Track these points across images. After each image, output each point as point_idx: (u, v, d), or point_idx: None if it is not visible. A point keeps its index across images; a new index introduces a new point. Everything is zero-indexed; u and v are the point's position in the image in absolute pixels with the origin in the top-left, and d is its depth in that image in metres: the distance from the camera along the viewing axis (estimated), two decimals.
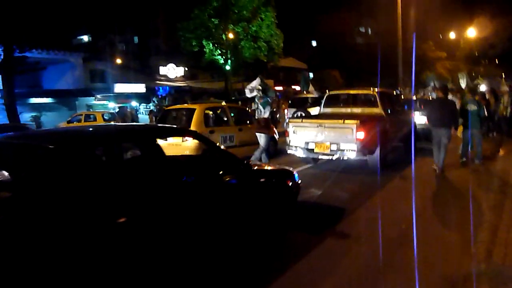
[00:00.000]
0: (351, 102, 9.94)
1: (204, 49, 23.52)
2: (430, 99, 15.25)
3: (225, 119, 10.15)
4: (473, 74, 40.66)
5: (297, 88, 29.24)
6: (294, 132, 8.96)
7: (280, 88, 35.42)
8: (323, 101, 10.36)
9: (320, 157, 8.73)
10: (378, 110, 9.36)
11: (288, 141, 9.05)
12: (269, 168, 5.32)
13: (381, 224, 5.00)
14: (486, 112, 9.75)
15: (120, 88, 22.88)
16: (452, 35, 41.10)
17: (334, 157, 8.35)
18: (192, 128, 8.75)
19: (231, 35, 23.65)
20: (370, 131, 8.42)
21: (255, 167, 4.92)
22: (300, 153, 8.80)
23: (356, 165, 8.92)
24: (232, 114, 10.53)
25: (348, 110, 9.81)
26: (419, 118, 12.67)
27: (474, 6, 29.22)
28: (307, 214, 5.78)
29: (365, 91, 9.87)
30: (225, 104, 10.55)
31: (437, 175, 8.25)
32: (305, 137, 8.80)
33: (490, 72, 48.95)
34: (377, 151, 8.64)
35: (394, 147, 10.30)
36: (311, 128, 8.70)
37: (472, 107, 9.13)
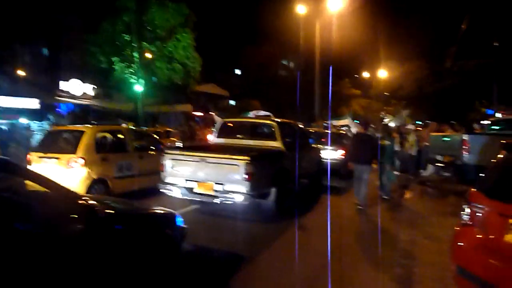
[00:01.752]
0: (249, 133, 8.28)
1: (113, 66, 20.99)
2: (345, 133, 14.28)
3: (124, 144, 8.28)
4: (384, 113, 42.27)
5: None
6: (171, 167, 7.00)
7: (200, 113, 33.57)
8: (216, 130, 8.60)
9: (201, 199, 6.81)
10: (277, 143, 7.77)
11: (163, 177, 7.06)
12: (139, 211, 3.90)
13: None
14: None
15: (8, 102, 19.38)
16: (366, 75, 42.74)
17: (218, 201, 6.48)
18: (80, 153, 7.24)
19: (148, 55, 21.46)
20: (263, 169, 6.75)
21: (110, 211, 3.41)
22: (177, 193, 6.82)
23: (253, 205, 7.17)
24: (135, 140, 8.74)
25: (244, 142, 8.11)
26: (330, 153, 11.44)
27: (387, 49, 30.18)
28: (194, 268, 4.42)
29: (263, 121, 8.28)
30: (125, 127, 8.99)
31: (359, 211, 7.63)
32: (184, 173, 6.88)
33: (398, 112, 51.79)
34: (273, 193, 6.99)
35: (297, 186, 8.79)
36: (192, 163, 6.81)
37: (386, 143, 8.64)
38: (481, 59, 25.15)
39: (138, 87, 21.61)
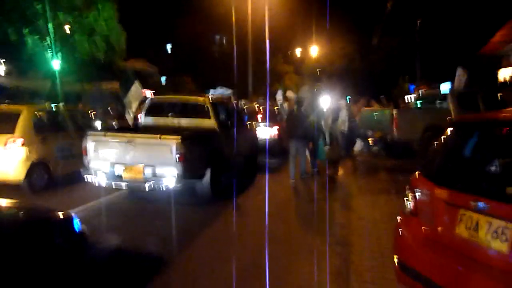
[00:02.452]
0: (180, 111, 7.83)
1: (25, 39, 18.88)
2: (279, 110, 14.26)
3: (63, 124, 7.96)
4: (315, 89, 43.39)
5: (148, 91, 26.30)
6: (95, 150, 6.39)
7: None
8: (144, 109, 8.04)
9: (129, 185, 6.32)
10: (210, 122, 7.45)
11: (87, 163, 6.45)
12: (15, 218, 2.92)
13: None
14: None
15: None
16: (298, 51, 43.31)
17: (147, 187, 6.05)
18: (17, 134, 6.94)
19: (65, 27, 19.56)
20: (196, 149, 6.43)
21: None
22: (102, 180, 6.26)
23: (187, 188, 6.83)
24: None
25: (175, 121, 7.67)
26: (264, 131, 11.35)
27: (318, 26, 30.70)
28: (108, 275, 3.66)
29: (195, 99, 7.88)
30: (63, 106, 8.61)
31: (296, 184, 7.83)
32: (110, 157, 6.33)
33: (329, 87, 53.50)
34: (207, 175, 6.71)
35: (232, 166, 8.59)
36: (118, 145, 6.27)
37: (314, 119, 8.68)
38: (405, 36, 26.47)
39: (56, 63, 19.77)
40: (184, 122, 7.56)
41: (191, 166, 6.25)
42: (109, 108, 22.52)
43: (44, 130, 7.46)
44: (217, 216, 5.99)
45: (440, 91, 13.18)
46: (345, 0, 30.15)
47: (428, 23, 23.59)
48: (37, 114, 7.54)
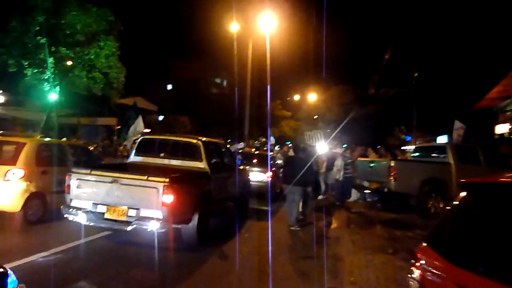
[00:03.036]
0: (171, 151, 7.60)
1: (24, 71, 18.97)
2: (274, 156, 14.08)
3: (63, 158, 7.90)
4: (312, 134, 43.59)
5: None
6: (77, 187, 6.10)
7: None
8: (134, 147, 7.82)
9: (111, 226, 5.98)
10: (201, 164, 7.20)
11: (68, 200, 6.13)
12: None
13: None
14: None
15: None
16: (296, 97, 43.99)
17: (129, 228, 5.71)
18: (19, 166, 6.99)
19: (69, 62, 19.74)
20: (184, 192, 6.14)
21: None
22: (82, 219, 5.92)
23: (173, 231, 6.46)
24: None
25: (166, 161, 7.43)
26: (256, 175, 11.11)
27: (316, 74, 31.34)
28: None
29: (186, 139, 7.67)
30: (65, 140, 9.14)
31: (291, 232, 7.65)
32: (92, 195, 6.02)
33: (326, 134, 53.78)
34: (195, 219, 6.38)
35: (221, 210, 8.27)
36: (102, 184, 5.98)
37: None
38: (402, 87, 26.96)
39: (53, 96, 19.78)
40: (175, 162, 7.31)
41: (178, 210, 5.94)
42: (101, 143, 22.34)
43: (45, 163, 7.46)
44: (201, 264, 5.60)
45: (435, 143, 13.07)
46: (344, 50, 31.00)
47: (425, 75, 24.10)
48: (40, 147, 7.57)
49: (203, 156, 7.23)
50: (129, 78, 33.90)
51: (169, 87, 46.79)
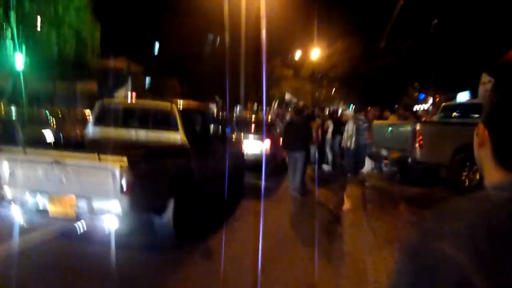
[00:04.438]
0: (138, 121, 6.32)
1: None
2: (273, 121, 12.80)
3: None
4: (316, 95, 42.01)
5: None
6: (11, 173, 4.86)
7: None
8: (92, 116, 6.51)
9: (55, 223, 4.81)
10: (178, 135, 5.93)
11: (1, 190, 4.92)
12: None
13: None
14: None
15: None
16: (298, 54, 42.05)
17: (80, 226, 4.56)
18: None
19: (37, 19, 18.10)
20: (152, 174, 4.93)
21: None
22: (17, 214, 4.73)
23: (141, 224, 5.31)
24: None
25: (132, 133, 6.15)
26: (252, 145, 9.87)
27: (319, 26, 29.37)
28: None
29: (159, 105, 6.37)
30: None
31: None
32: (29, 183, 4.80)
33: (329, 95, 52.09)
34: (170, 208, 5.21)
35: (207, 193, 7.10)
36: (41, 167, 4.74)
37: None
38: (417, 39, 25.23)
39: (19, 57, 18.28)
40: (143, 135, 6.04)
41: (143, 198, 4.76)
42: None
43: None
44: (179, 269, 4.47)
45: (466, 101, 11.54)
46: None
47: (443, 24, 22.32)
48: None
49: (180, 125, 5.94)
50: (108, 37, 32.01)
51: (156, 46, 44.75)
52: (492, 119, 0.82)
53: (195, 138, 6.25)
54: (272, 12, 28.70)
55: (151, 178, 4.90)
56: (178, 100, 6.42)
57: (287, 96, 32.63)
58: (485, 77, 15.56)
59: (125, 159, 4.45)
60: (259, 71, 31.00)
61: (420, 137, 7.62)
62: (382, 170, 10.61)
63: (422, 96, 36.27)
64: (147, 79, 36.02)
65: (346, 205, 7.58)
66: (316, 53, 35.74)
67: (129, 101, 6.90)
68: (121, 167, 4.43)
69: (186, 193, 5.68)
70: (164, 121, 6.14)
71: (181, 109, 6.12)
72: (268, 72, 38.31)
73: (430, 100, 28.27)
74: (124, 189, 4.47)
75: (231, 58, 29.07)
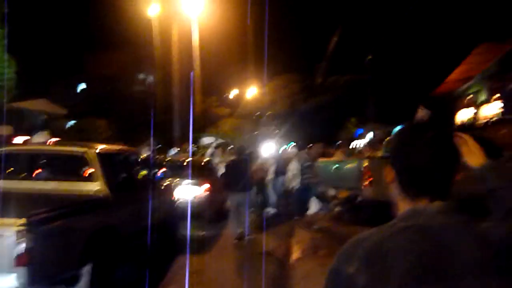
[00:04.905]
0: (47, 170, 5.46)
1: None
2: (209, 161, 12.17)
3: None
4: (255, 133, 42.14)
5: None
6: None
7: (26, 137, 28.32)
8: None
9: None
10: (96, 185, 5.14)
11: None
12: None
13: None
14: None
15: None
16: (234, 92, 42.31)
17: None
18: None
19: None
20: (60, 237, 4.12)
21: None
22: None
23: None
24: None
25: (38, 185, 5.26)
26: (189, 191, 9.15)
27: (256, 64, 29.80)
28: None
29: (70, 150, 5.56)
30: None
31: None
32: None
33: (269, 132, 52.57)
34: (86, 275, 4.37)
35: (136, 247, 6.26)
36: None
37: None
38: (353, 74, 26.21)
39: None
40: (52, 186, 5.18)
41: (47, 269, 3.92)
42: None
43: None
44: None
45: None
46: (287, 34, 29.80)
47: (377, 61, 23.39)
48: None
49: (99, 173, 5.17)
50: (28, 76, 30.12)
51: (82, 86, 43.04)
52: (393, 160, 1.12)
53: (118, 187, 5.49)
54: (206, 51, 28.72)
55: (57, 243, 4.08)
56: (96, 144, 5.68)
57: (207, 140, 32.17)
58: (421, 111, 16.15)
59: (21, 221, 3.63)
60: (193, 111, 30.54)
61: (368, 174, 7.39)
62: (329, 211, 10.29)
63: (360, 131, 37.54)
64: (71, 122, 34.11)
65: (297, 253, 7.02)
66: (252, 91, 36.11)
67: (35, 147, 5.98)
68: (18, 232, 3.61)
69: (108, 254, 4.87)
70: (79, 169, 5.34)
71: (100, 153, 5.37)
72: (204, 111, 37.99)
73: (369, 135, 29.20)
74: (20, 260, 3.63)
75: (163, 97, 28.43)
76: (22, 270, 3.64)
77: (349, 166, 8.29)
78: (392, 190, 1.11)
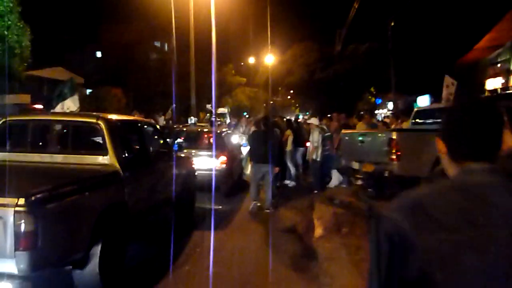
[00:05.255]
0: (54, 142, 5.06)
1: None
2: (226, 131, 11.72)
3: None
4: (271, 103, 41.47)
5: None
6: None
7: (41, 106, 28.24)
8: None
9: None
10: (106, 159, 4.72)
11: None
12: None
13: None
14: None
15: None
16: (251, 60, 41.40)
17: None
18: None
19: None
20: (66, 216, 3.74)
21: None
22: None
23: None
24: None
25: (46, 158, 4.86)
26: (204, 162, 8.75)
27: (273, 31, 28.80)
28: None
29: (80, 120, 5.12)
30: None
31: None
32: None
33: (285, 102, 51.81)
34: (95, 256, 4.02)
35: (149, 224, 5.93)
36: None
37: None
38: (373, 43, 25.14)
39: None
40: (60, 159, 4.78)
41: (53, 251, 3.56)
42: None
43: None
44: None
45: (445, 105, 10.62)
46: (304, 2, 28.62)
47: (399, 27, 22.26)
48: None
49: (109, 145, 4.74)
50: (44, 44, 29.65)
51: (98, 54, 42.55)
52: (444, 135, 1.29)
53: (131, 160, 5.08)
54: (223, 18, 27.82)
55: (64, 222, 3.70)
56: (108, 114, 5.23)
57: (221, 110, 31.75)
58: (447, 80, 15.28)
59: (22, 199, 3.24)
60: (210, 79, 29.91)
61: (397, 148, 6.83)
62: (351, 184, 9.83)
63: (379, 101, 36.54)
64: (88, 91, 33.88)
65: (318, 230, 6.59)
66: (270, 59, 35.22)
67: (39, 116, 5.57)
68: (16, 211, 3.22)
69: (118, 232, 4.50)
70: (88, 141, 4.93)
71: (112, 124, 4.93)
72: (220, 80, 37.32)
73: (389, 105, 28.31)
74: (23, 242, 3.25)
75: (179, 66, 27.80)
76: (23, 254, 3.27)
77: (374, 138, 7.73)
78: (443, 160, 1.30)
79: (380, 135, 7.65)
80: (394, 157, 6.90)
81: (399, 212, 1.15)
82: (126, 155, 5.00)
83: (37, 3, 27.10)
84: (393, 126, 9.56)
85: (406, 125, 9.43)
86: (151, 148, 5.89)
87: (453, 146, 1.24)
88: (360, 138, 8.14)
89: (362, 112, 12.73)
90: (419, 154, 7.01)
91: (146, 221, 5.52)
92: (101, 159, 4.73)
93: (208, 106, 30.85)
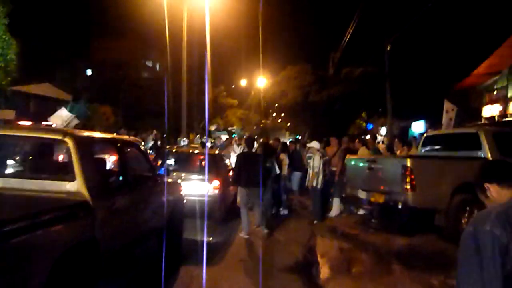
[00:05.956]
0: (7, 161, 4.11)
1: None
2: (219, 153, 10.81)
3: None
4: (261, 126, 40.79)
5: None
6: None
7: (28, 122, 27.26)
8: None
9: None
10: (73, 185, 3.76)
11: None
12: None
13: None
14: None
15: None
16: (243, 82, 40.90)
17: None
18: None
19: None
20: (6, 267, 2.77)
21: None
22: None
23: None
24: None
25: (10, 183, 3.89)
26: (195, 187, 7.81)
27: (267, 53, 28.33)
28: None
29: (41, 134, 4.17)
30: None
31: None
32: None
33: (276, 125, 51.17)
34: None
35: (126, 262, 4.94)
36: None
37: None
38: (368, 66, 24.66)
39: None
40: (17, 185, 3.81)
41: None
42: None
43: None
44: None
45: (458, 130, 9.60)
46: (300, 23, 28.27)
47: (395, 51, 21.76)
48: None
49: (78, 168, 3.78)
50: (33, 60, 28.66)
51: (88, 72, 41.67)
52: (488, 174, 1.97)
53: (105, 187, 4.14)
54: (216, 40, 27.20)
55: (7, 271, 2.73)
56: (78, 130, 4.31)
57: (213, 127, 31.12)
58: (447, 105, 14.62)
59: None
60: (201, 100, 29.13)
61: (412, 176, 5.98)
62: (352, 213, 8.94)
63: (370, 126, 36.01)
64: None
65: (324, 270, 5.66)
66: (262, 82, 34.64)
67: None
68: None
69: (85, 277, 3.54)
70: (53, 163, 3.98)
71: (82, 142, 3.99)
72: (212, 100, 36.56)
73: (382, 130, 27.72)
74: None
75: (171, 85, 26.99)
76: None
77: (385, 165, 6.89)
78: (494, 196, 1.92)
79: (392, 161, 6.82)
80: (408, 186, 6.05)
81: (497, 227, 1.62)
82: (99, 180, 4.06)
83: (27, 19, 26.27)
84: (398, 153, 8.74)
85: (414, 152, 8.62)
86: (132, 172, 4.93)
87: (503, 179, 1.91)
88: (368, 165, 7.27)
89: (363, 137, 11.89)
90: (437, 184, 6.18)
91: (123, 260, 4.54)
92: (68, 186, 3.77)
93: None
